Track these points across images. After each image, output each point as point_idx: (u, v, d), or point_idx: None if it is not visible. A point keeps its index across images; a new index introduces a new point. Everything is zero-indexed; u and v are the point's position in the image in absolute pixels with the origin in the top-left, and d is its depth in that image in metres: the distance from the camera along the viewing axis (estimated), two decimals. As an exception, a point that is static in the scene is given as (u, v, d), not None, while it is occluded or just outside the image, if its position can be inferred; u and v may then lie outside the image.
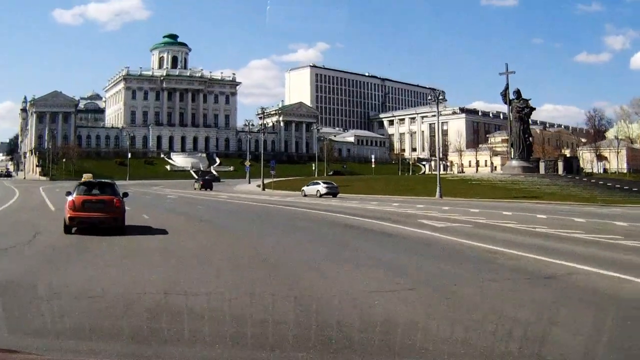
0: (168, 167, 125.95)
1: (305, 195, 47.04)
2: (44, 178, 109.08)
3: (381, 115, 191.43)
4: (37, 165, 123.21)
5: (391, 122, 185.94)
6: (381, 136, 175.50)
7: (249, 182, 79.97)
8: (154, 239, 14.35)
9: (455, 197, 42.31)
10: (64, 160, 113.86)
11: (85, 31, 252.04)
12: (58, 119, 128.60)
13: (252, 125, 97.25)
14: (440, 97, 51.90)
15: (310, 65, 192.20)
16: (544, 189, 46.88)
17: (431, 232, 16.12)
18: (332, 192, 45.55)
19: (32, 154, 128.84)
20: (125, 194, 16.45)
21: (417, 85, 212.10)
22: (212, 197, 45.90)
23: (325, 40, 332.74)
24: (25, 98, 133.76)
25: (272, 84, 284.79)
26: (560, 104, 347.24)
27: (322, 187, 46.81)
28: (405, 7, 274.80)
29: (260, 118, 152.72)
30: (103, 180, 17.36)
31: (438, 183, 44.21)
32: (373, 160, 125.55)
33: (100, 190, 15.58)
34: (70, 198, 14.81)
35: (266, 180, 67.87)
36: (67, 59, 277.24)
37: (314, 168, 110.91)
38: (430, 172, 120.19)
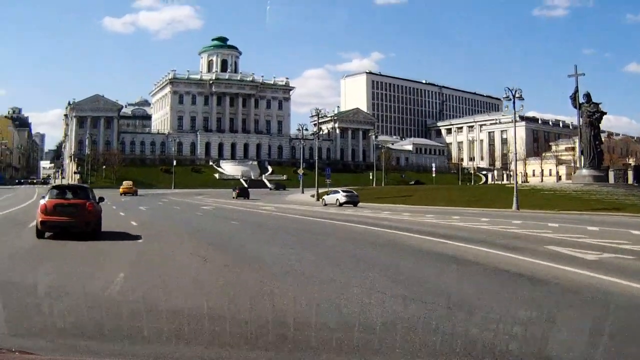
0: (217, 175, 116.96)
1: (325, 205, 45.93)
2: None
3: (439, 124, 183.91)
4: (75, 172, 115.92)
5: (449, 131, 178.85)
6: (440, 144, 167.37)
7: (302, 192, 72.84)
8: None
9: (533, 210, 37.64)
10: (104, 167, 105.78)
11: (136, 39, 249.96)
12: (100, 124, 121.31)
13: (306, 129, 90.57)
14: (517, 96, 42.58)
15: (366, 72, 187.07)
16: (623, 200, 42.37)
17: (596, 272, 9.25)
18: (352, 201, 44.17)
19: (71, 160, 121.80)
20: (101, 199, 16.48)
21: (474, 93, 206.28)
22: (254, 208, 39.23)
23: (380, 50, 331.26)
24: (68, 103, 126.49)
25: (327, 93, 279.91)
26: (611, 114, 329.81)
27: (341, 196, 45.56)
28: (458, 17, 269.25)
29: (314, 124, 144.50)
30: (76, 184, 19.66)
31: (515, 194, 39.71)
32: (434, 169, 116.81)
33: (73, 194, 15.24)
34: (42, 202, 14.54)
35: (321, 190, 61.19)
36: (117, 67, 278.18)
37: (371, 177, 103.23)
38: (492, 182, 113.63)
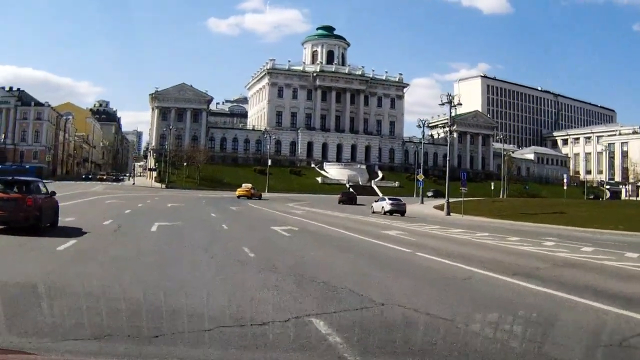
0: (319, 179, 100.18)
1: (373, 212, 42.30)
2: (157, 184, 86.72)
3: (555, 133, 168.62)
4: (150, 169, 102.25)
5: (565, 141, 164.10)
6: (562, 155, 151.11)
7: (422, 202, 61.39)
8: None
9: None
10: (185, 164, 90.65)
11: (241, 41, 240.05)
12: (186, 117, 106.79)
13: (425, 124, 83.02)
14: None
15: (480, 76, 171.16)
16: None
17: None
18: (399, 210, 40.74)
19: (150, 155, 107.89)
20: (53, 193, 16.36)
21: (589, 104, 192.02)
22: (370, 225, 26.73)
23: (487, 61, 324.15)
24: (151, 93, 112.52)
25: (434, 103, 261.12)
26: None
27: (386, 204, 42.14)
28: (563, 29, 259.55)
29: (428, 125, 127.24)
30: (20, 178, 16.93)
31: None
32: (565, 181, 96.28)
33: (18, 189, 14.77)
34: None
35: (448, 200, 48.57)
36: (222, 67, 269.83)
37: (492, 187, 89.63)
38: (627, 198, 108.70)
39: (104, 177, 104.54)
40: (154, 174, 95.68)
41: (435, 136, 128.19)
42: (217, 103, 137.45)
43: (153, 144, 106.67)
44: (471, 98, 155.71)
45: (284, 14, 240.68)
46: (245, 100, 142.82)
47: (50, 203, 15.66)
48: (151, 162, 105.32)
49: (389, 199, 44.35)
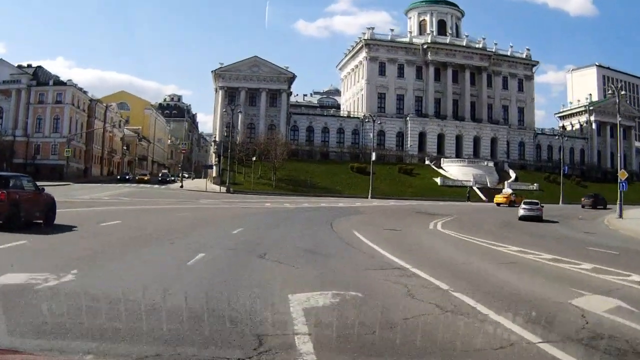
0: (438, 180, 75.80)
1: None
2: (216, 187, 63.70)
3: None
4: (206, 166, 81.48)
5: None
6: None
7: (620, 215, 36.85)
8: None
9: None
10: (254, 159, 68.31)
11: (330, 44, 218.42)
12: (260, 100, 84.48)
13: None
14: None
15: (596, 65, 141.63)
16: None
17: None
18: (533, 215, 34.05)
19: (213, 148, 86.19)
20: (43, 189, 16.27)
21: None
22: None
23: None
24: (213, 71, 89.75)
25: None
26: None
27: (520, 209, 35.76)
28: None
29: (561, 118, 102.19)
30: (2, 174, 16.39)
31: None
32: None
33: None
34: None
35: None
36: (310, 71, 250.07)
37: None
38: None
39: (145, 178, 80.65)
40: (213, 172, 73.49)
41: (568, 128, 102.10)
42: (305, 95, 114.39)
43: (217, 135, 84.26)
44: (585, 91, 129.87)
45: (373, 16, 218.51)
46: (337, 92, 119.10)
47: (37, 199, 15.53)
48: (212, 158, 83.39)
49: (524, 202, 37.86)
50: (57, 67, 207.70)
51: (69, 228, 15.13)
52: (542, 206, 35.88)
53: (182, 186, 68.34)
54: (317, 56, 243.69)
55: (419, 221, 28.47)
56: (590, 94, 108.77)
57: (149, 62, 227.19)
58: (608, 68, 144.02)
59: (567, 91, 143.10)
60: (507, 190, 60.43)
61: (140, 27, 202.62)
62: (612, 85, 55.84)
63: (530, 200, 39.16)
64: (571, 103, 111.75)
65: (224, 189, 61.38)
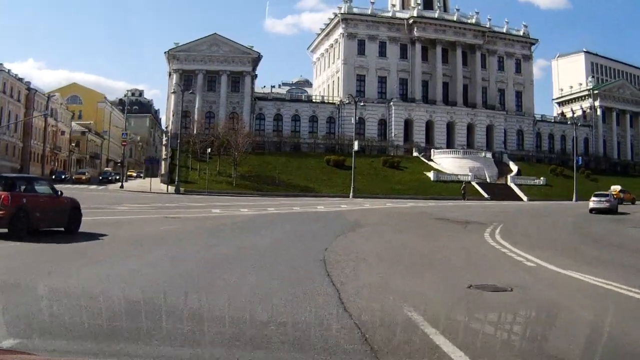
0: (430, 174, 63.98)
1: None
2: (164, 187, 52.01)
3: None
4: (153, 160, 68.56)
5: None
6: None
7: None
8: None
9: None
10: (209, 151, 56.11)
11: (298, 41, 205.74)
12: (220, 84, 72.66)
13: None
14: None
15: (584, 51, 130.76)
16: None
17: None
18: (606, 208, 32.59)
19: (164, 141, 73.96)
20: (61, 192, 14.63)
21: None
22: None
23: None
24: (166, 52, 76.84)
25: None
26: None
27: (590, 202, 34.44)
28: None
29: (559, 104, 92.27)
30: (5, 175, 15.32)
31: None
32: None
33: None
34: None
35: None
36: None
37: None
38: None
39: (83, 178, 67.03)
40: (162, 169, 61.25)
41: (569, 114, 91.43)
42: (272, 86, 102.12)
43: (169, 126, 71.38)
44: (573, 79, 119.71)
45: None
46: (308, 83, 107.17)
47: (53, 205, 14.00)
48: (162, 153, 70.88)
49: (595, 195, 35.18)
50: (28, 68, 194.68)
51: None
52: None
53: (122, 186, 55.52)
54: (286, 50, 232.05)
55: (475, 242, 15.88)
56: (581, 84, 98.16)
57: (116, 62, 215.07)
58: (596, 54, 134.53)
59: (552, 79, 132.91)
60: (615, 187, 52.13)
61: (111, 26, 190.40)
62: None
63: (602, 193, 37.56)
64: (562, 90, 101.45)
65: (172, 188, 49.16)
